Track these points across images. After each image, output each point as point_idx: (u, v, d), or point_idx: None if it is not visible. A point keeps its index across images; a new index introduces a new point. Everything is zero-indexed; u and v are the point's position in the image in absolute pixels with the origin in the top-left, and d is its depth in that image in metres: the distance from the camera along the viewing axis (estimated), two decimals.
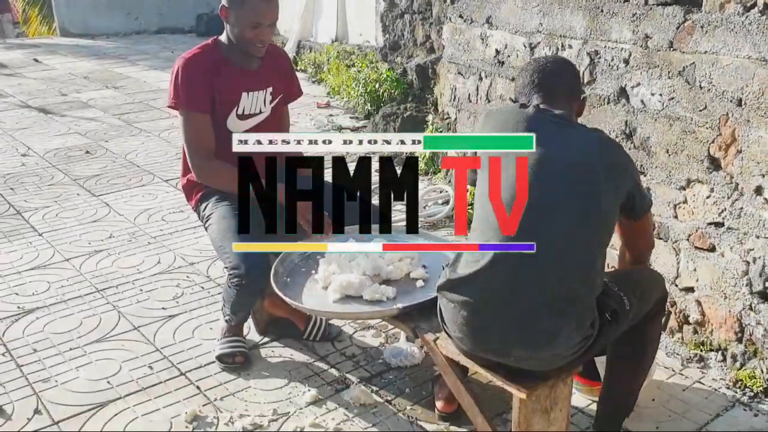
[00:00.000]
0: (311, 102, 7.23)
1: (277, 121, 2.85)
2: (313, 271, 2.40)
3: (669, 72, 2.78)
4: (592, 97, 3.17)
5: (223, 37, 2.68)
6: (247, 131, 2.71)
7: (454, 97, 4.47)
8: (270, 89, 2.76)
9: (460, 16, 4.30)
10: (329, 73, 7.62)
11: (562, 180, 1.90)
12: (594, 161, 1.92)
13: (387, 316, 2.23)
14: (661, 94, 2.83)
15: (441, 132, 4.82)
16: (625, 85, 3.00)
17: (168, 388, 2.61)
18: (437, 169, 4.81)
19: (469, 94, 4.29)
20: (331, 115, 6.73)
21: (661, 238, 2.89)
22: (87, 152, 5.65)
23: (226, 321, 2.73)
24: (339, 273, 2.29)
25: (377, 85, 6.04)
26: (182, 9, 13.11)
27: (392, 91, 5.91)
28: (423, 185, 4.71)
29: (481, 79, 4.15)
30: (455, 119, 4.48)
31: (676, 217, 2.82)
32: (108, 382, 2.64)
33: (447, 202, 4.27)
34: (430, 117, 5.04)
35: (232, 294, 2.54)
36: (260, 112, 2.74)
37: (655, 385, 2.54)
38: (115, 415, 2.47)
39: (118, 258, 3.69)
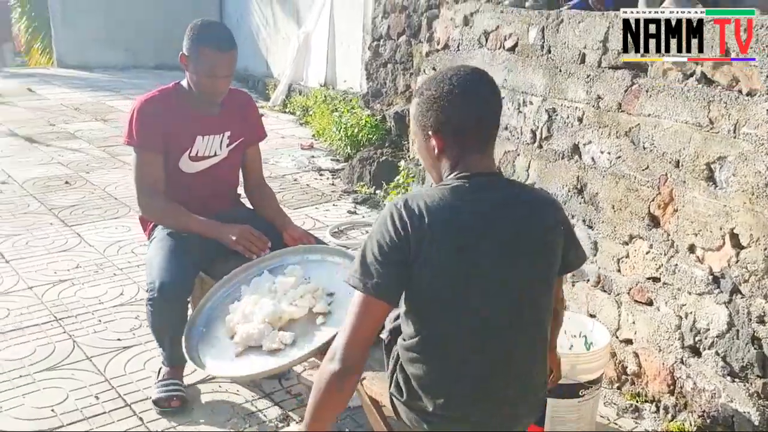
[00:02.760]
0: (296, 143, 7.36)
1: (235, 163, 2.96)
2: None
3: (617, 132, 2.90)
4: (549, 152, 3.28)
5: (184, 82, 2.79)
6: (199, 172, 2.81)
7: None
8: (228, 133, 2.86)
9: (433, 69, 4.44)
10: (314, 116, 7.77)
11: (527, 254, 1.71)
12: (546, 230, 1.74)
13: (284, 370, 2.27)
14: (609, 153, 2.94)
15: (413, 177, 4.93)
16: (578, 142, 3.12)
17: (111, 419, 2.65)
18: None
19: None
20: (312, 157, 6.85)
21: (605, 291, 2.97)
22: (66, 182, 5.73)
23: (163, 363, 2.78)
24: (242, 323, 2.30)
25: (356, 130, 6.17)
26: (179, 46, 13.32)
27: (371, 136, 6.04)
28: None
29: None
30: (424, 167, 4.59)
31: (619, 270, 2.91)
32: (52, 410, 2.68)
33: None
34: (402, 163, 5.16)
35: (148, 315, 2.60)
36: (215, 155, 2.84)
37: None
38: None
39: (81, 288, 3.74)
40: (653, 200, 2.73)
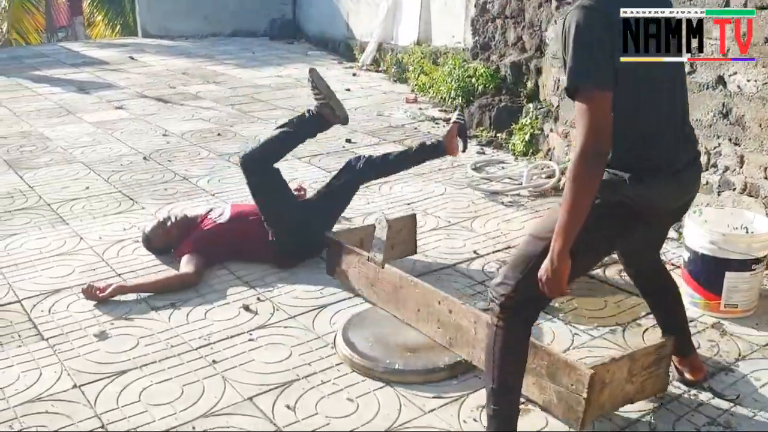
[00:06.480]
0: (399, 98, 8.00)
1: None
2: None
3: (764, 62, 3.48)
4: (692, 84, 3.87)
5: None
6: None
7: (557, 88, 5.19)
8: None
9: (564, 19, 5.02)
10: (414, 71, 8.39)
11: None
12: None
13: None
14: (756, 80, 3.52)
15: (537, 119, 5.55)
16: (723, 74, 3.70)
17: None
18: (537, 149, 5.53)
19: None
20: (420, 108, 7.48)
21: (751, 196, 3.59)
22: (219, 134, 6.46)
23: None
24: None
25: (473, 80, 6.78)
26: (256, 13, 13.99)
27: (486, 86, 6.65)
28: (524, 164, 5.43)
29: None
30: (557, 106, 5.21)
31: (766, 178, 3.51)
32: (320, 293, 3.41)
33: (551, 177, 4.97)
34: (530, 105, 5.78)
35: None
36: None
37: None
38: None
39: None
40: None
